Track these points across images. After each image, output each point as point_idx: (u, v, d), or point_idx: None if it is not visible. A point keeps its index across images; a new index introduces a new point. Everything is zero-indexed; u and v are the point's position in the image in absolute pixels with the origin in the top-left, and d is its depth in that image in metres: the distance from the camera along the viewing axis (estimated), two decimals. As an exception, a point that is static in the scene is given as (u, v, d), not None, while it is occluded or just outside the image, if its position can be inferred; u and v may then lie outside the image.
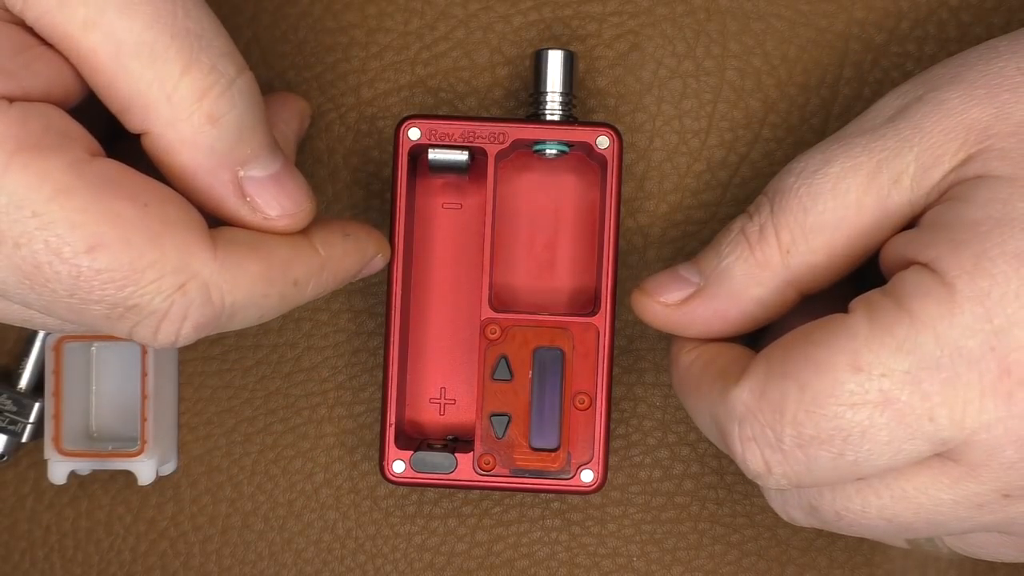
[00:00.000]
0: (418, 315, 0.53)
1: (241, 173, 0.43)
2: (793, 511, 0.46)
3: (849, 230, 0.45)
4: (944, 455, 0.41)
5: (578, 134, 0.50)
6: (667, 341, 0.54)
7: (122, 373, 0.55)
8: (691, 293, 0.47)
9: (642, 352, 0.54)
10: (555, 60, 0.50)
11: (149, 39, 0.40)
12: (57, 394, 0.53)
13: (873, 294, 0.42)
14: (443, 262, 0.53)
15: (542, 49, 0.50)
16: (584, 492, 0.50)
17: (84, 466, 0.53)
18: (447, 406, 0.53)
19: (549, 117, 0.50)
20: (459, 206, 0.53)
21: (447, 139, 0.50)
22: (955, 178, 0.43)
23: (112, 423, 0.55)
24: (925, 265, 0.41)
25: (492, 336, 0.50)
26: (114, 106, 0.41)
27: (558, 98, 0.50)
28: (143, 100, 0.41)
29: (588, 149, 0.50)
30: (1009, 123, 0.42)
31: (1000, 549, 0.46)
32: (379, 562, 0.55)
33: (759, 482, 0.44)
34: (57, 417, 0.53)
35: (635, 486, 0.54)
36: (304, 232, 0.45)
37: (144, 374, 0.53)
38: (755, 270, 0.46)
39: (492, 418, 0.50)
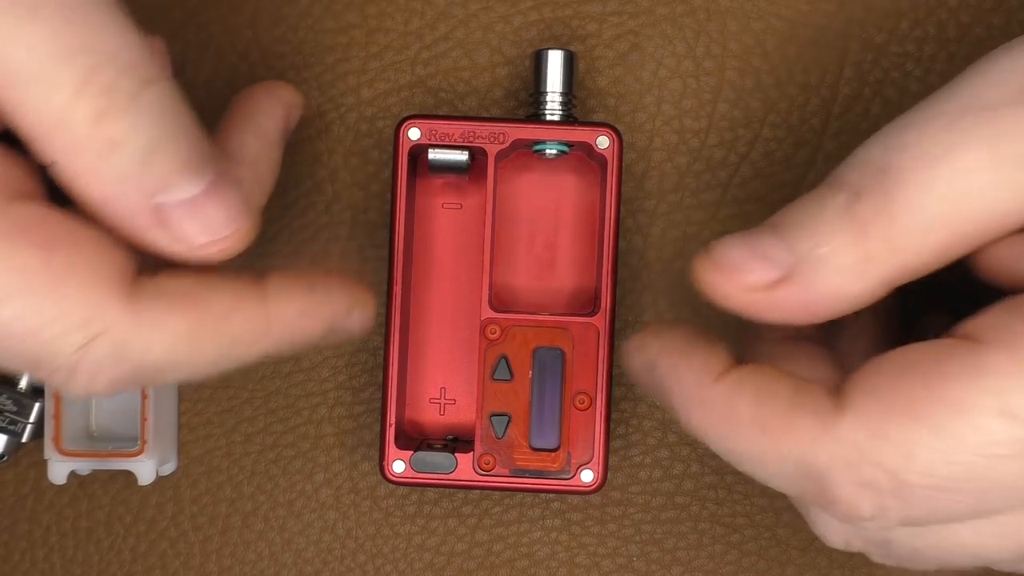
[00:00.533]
0: (418, 315, 0.53)
1: (157, 199, 0.38)
2: (844, 539, 0.42)
3: (973, 223, 0.38)
4: None
5: (578, 134, 0.50)
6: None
7: None
8: (779, 278, 0.39)
9: (642, 352, 0.54)
10: (555, 60, 0.50)
11: (40, 62, 0.36)
12: (57, 394, 0.53)
13: (1005, 319, 0.37)
14: (443, 262, 0.53)
15: (542, 49, 0.51)
16: (584, 492, 0.50)
17: (84, 466, 0.53)
18: (447, 406, 0.53)
19: (549, 117, 0.50)
20: (459, 206, 0.53)
21: (447, 139, 0.50)
22: None
23: (112, 423, 0.55)
24: None
25: (492, 336, 0.50)
26: (23, 135, 0.38)
27: (558, 98, 0.50)
28: (41, 128, 0.37)
29: (588, 149, 0.50)
30: None
31: None
32: (379, 562, 0.55)
33: (862, 524, 0.38)
34: (57, 417, 0.53)
35: (635, 486, 0.54)
36: (257, 282, 0.41)
37: None
38: (860, 264, 0.38)
39: (492, 418, 0.50)
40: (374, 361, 0.55)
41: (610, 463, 0.54)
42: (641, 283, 0.54)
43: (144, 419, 0.53)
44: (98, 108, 0.37)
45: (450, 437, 0.53)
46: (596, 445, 0.50)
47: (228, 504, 0.55)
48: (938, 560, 0.41)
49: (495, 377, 0.50)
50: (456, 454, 0.50)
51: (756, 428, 0.39)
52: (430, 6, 0.54)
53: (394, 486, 0.55)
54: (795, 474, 0.39)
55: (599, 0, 0.54)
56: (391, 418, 0.51)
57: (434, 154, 0.50)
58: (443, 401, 0.53)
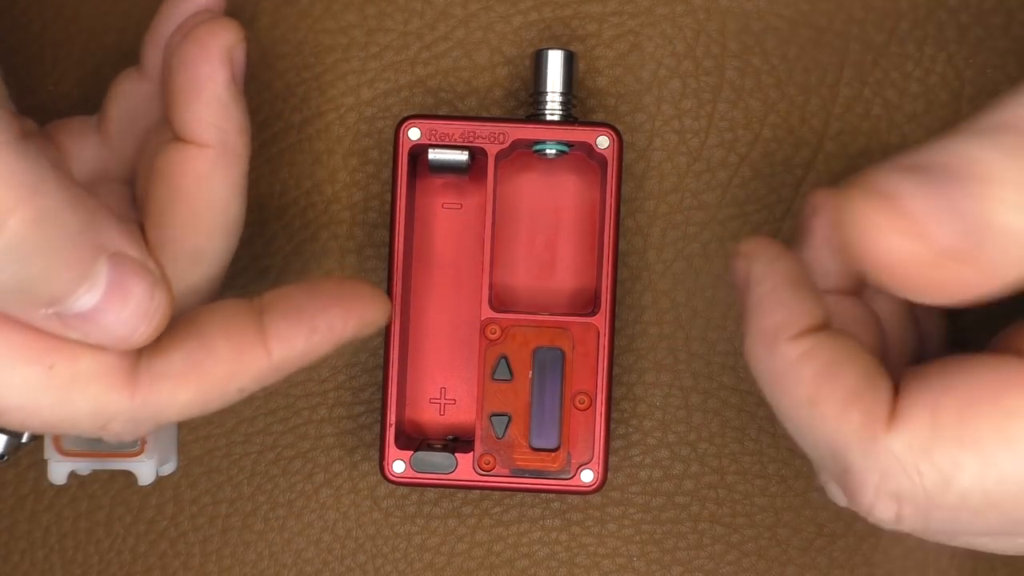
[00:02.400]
0: (418, 315, 0.53)
1: (48, 311, 0.37)
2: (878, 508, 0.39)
3: None
4: None
5: (578, 134, 0.50)
6: (668, 340, 0.54)
7: None
8: (958, 243, 0.33)
9: (642, 352, 0.54)
10: (555, 60, 0.50)
11: None
12: None
13: None
14: (443, 262, 0.53)
15: (542, 49, 0.50)
16: (584, 492, 0.50)
17: (84, 466, 0.53)
18: (447, 406, 0.53)
19: (549, 117, 0.50)
20: (459, 206, 0.53)
21: (447, 139, 0.50)
22: None
23: None
24: None
25: (492, 336, 0.50)
26: None
27: (558, 98, 0.50)
28: None
29: (588, 149, 0.50)
30: None
31: None
32: (379, 562, 0.55)
33: (871, 518, 0.38)
34: None
35: (635, 486, 0.54)
36: (258, 329, 0.41)
37: None
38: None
39: (492, 418, 0.50)
40: (374, 361, 0.55)
41: (610, 463, 0.54)
42: (641, 283, 0.54)
43: None
44: None
45: (450, 437, 0.53)
46: (596, 445, 0.50)
47: (228, 504, 0.55)
48: (946, 540, 0.41)
49: (495, 377, 0.50)
50: (456, 454, 0.50)
51: (809, 401, 0.37)
52: (430, 6, 0.54)
53: (394, 486, 0.54)
54: (829, 457, 0.38)
55: (599, 0, 0.54)
56: (391, 418, 0.51)
57: (434, 154, 0.50)
58: (443, 401, 0.53)
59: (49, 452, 0.52)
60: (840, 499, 0.41)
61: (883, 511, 0.37)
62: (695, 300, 0.54)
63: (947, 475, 0.35)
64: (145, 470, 0.53)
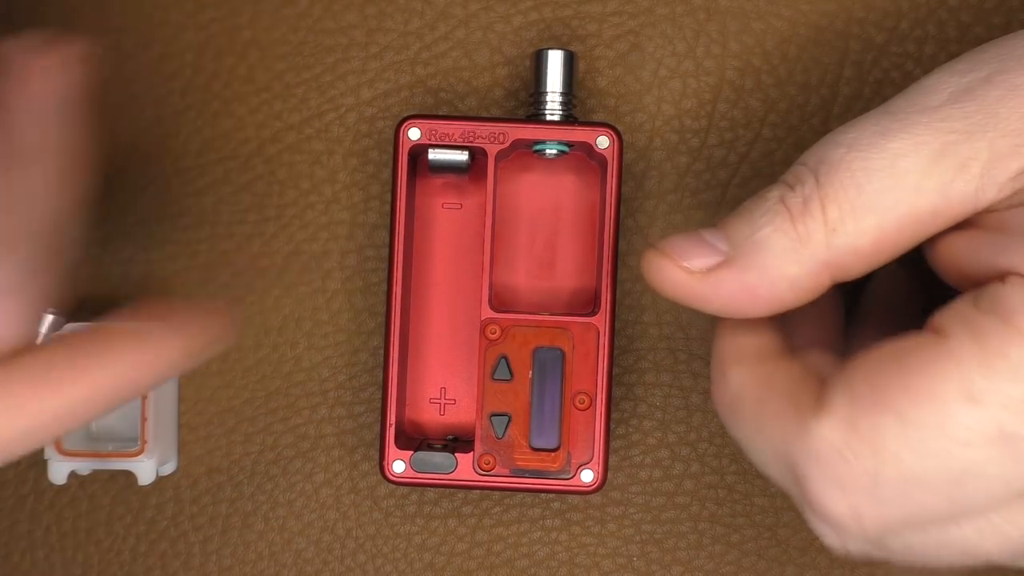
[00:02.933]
0: (418, 315, 0.53)
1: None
2: (840, 542, 0.41)
3: (903, 214, 0.40)
4: None
5: (578, 134, 0.50)
6: (668, 340, 0.54)
7: None
8: (719, 262, 0.41)
9: (642, 352, 0.54)
10: (555, 60, 0.50)
11: None
12: None
13: (967, 310, 0.38)
14: (443, 262, 0.53)
15: (542, 49, 0.50)
16: (584, 492, 0.50)
17: (84, 466, 0.53)
18: (447, 406, 0.53)
19: (549, 117, 0.50)
20: (459, 206, 0.53)
21: (447, 139, 0.50)
22: None
23: (112, 423, 0.55)
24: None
25: (492, 336, 0.50)
26: None
27: (558, 98, 0.50)
28: None
29: (588, 149, 0.50)
30: None
31: None
32: (379, 562, 0.55)
33: (835, 535, 0.40)
34: None
35: (635, 486, 0.54)
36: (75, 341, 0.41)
37: None
38: (794, 245, 0.40)
39: (492, 418, 0.50)
40: (374, 361, 0.55)
41: (610, 463, 0.54)
42: (641, 283, 0.54)
43: (144, 419, 0.53)
44: None
45: (450, 437, 0.53)
46: (596, 445, 0.50)
47: (228, 504, 0.55)
48: (930, 558, 0.41)
49: (495, 377, 0.50)
50: (456, 454, 0.50)
51: (752, 417, 0.41)
52: (430, 6, 0.54)
53: (394, 486, 0.54)
54: (778, 466, 0.40)
55: (599, 0, 0.54)
56: (391, 418, 0.51)
57: (434, 154, 0.50)
58: (443, 401, 0.53)
59: (49, 452, 0.53)
60: (830, 537, 0.42)
61: (837, 506, 0.38)
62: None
63: (874, 444, 0.37)
64: (145, 470, 0.53)
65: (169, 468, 0.55)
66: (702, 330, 0.54)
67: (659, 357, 0.54)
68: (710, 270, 0.42)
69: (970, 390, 0.36)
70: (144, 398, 0.53)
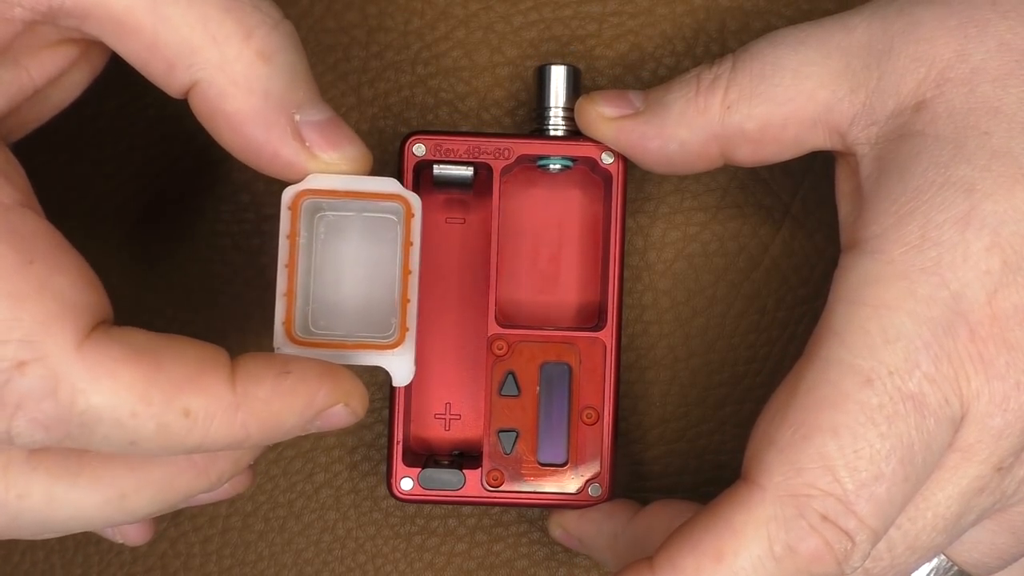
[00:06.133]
0: (423, 330, 0.52)
1: (297, 117, 0.42)
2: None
3: (790, 112, 0.45)
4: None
5: (583, 149, 0.50)
6: (669, 338, 0.54)
7: (365, 245, 0.47)
8: (629, 113, 0.48)
9: (643, 350, 0.54)
10: (558, 75, 0.50)
11: None
12: (292, 265, 0.44)
13: (828, 311, 0.43)
14: (448, 277, 0.53)
15: (545, 64, 0.50)
16: (591, 506, 0.51)
17: (330, 356, 0.43)
18: (452, 421, 0.53)
19: (553, 132, 0.50)
20: (463, 221, 0.52)
21: (452, 155, 0.50)
22: (903, 124, 0.43)
23: (345, 308, 0.47)
24: (862, 249, 0.42)
25: (499, 352, 0.50)
26: (157, 67, 0.40)
27: (561, 113, 0.50)
28: (188, 46, 0.40)
29: (592, 164, 0.50)
30: (966, 67, 0.43)
31: (996, 541, 0.45)
32: (379, 562, 0.55)
33: (840, 571, 0.41)
34: (290, 295, 0.44)
35: (634, 483, 0.55)
36: (225, 359, 0.39)
37: (408, 243, 0.45)
38: (692, 113, 0.46)
39: (500, 434, 0.50)
40: (374, 361, 0.55)
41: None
42: (642, 284, 0.54)
43: (406, 300, 0.45)
44: (250, 24, 0.40)
45: (456, 452, 0.53)
46: (603, 459, 0.50)
47: (228, 504, 0.55)
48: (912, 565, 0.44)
49: (502, 393, 0.50)
50: (464, 470, 0.50)
51: (682, 550, 0.43)
52: (430, 6, 0.54)
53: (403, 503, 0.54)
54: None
55: (599, 0, 0.54)
56: (398, 435, 0.51)
57: (439, 169, 0.50)
58: (448, 416, 0.53)
59: (279, 340, 0.45)
60: None
61: (836, 543, 0.41)
62: (695, 299, 0.54)
63: (822, 469, 0.41)
64: (401, 366, 0.45)
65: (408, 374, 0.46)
66: (701, 328, 0.54)
67: (659, 355, 0.54)
68: (618, 117, 0.48)
69: (862, 372, 0.41)
70: (407, 274, 0.45)
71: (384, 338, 0.45)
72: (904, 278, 0.41)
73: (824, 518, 0.40)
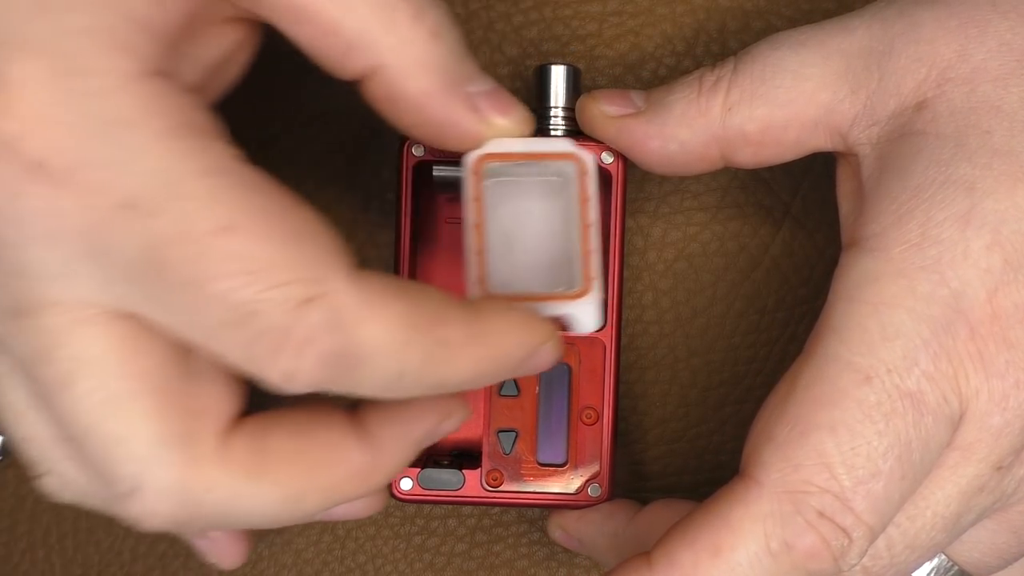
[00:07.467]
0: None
1: (470, 88, 0.43)
2: None
3: (792, 114, 0.45)
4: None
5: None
6: (669, 338, 0.54)
7: (526, 208, 0.48)
8: (631, 112, 0.48)
9: (643, 350, 0.54)
10: (558, 75, 0.50)
11: None
12: (479, 224, 0.46)
13: (827, 309, 0.43)
14: (447, 277, 0.53)
15: (545, 64, 0.50)
16: (591, 507, 0.51)
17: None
18: (451, 421, 0.53)
19: (553, 132, 0.50)
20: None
21: (451, 155, 0.50)
22: (904, 123, 0.43)
23: (517, 267, 0.48)
24: (862, 247, 0.42)
25: (499, 352, 0.50)
26: (333, 52, 0.41)
27: (561, 112, 0.50)
28: (367, 33, 0.40)
29: (593, 164, 0.50)
30: (967, 66, 0.43)
31: (996, 541, 0.46)
32: (379, 562, 0.55)
33: (837, 568, 0.42)
34: (481, 253, 0.46)
35: (634, 483, 0.55)
36: (460, 297, 0.41)
37: (585, 199, 0.46)
38: (693, 113, 0.46)
39: (499, 434, 0.50)
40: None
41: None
42: (642, 283, 0.54)
43: (588, 252, 0.46)
44: (418, 6, 0.41)
45: (455, 452, 0.53)
46: (603, 460, 0.50)
47: (228, 504, 0.55)
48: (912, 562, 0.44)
49: (502, 393, 0.50)
50: (463, 470, 0.50)
51: (679, 547, 0.43)
52: (430, 6, 0.54)
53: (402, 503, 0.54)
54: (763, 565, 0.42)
55: (599, 0, 0.54)
56: (399, 436, 0.51)
57: (439, 171, 0.49)
58: (447, 416, 0.53)
59: (474, 290, 0.46)
60: None
61: (833, 541, 0.41)
62: (695, 299, 0.54)
63: (820, 465, 0.41)
64: (588, 314, 0.46)
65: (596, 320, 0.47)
66: (701, 328, 0.54)
67: (659, 355, 0.54)
68: (622, 116, 0.48)
69: (859, 370, 0.41)
70: (587, 227, 0.46)
71: (566, 289, 0.46)
72: (904, 276, 0.41)
73: (821, 515, 0.40)
